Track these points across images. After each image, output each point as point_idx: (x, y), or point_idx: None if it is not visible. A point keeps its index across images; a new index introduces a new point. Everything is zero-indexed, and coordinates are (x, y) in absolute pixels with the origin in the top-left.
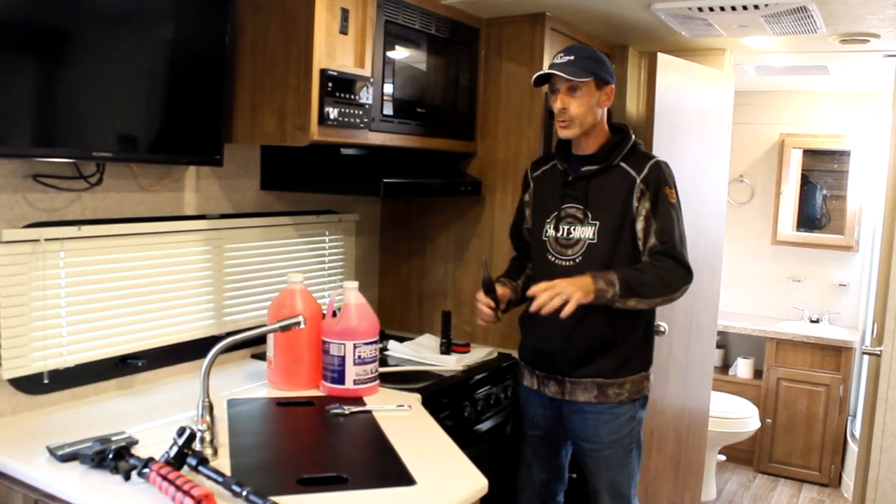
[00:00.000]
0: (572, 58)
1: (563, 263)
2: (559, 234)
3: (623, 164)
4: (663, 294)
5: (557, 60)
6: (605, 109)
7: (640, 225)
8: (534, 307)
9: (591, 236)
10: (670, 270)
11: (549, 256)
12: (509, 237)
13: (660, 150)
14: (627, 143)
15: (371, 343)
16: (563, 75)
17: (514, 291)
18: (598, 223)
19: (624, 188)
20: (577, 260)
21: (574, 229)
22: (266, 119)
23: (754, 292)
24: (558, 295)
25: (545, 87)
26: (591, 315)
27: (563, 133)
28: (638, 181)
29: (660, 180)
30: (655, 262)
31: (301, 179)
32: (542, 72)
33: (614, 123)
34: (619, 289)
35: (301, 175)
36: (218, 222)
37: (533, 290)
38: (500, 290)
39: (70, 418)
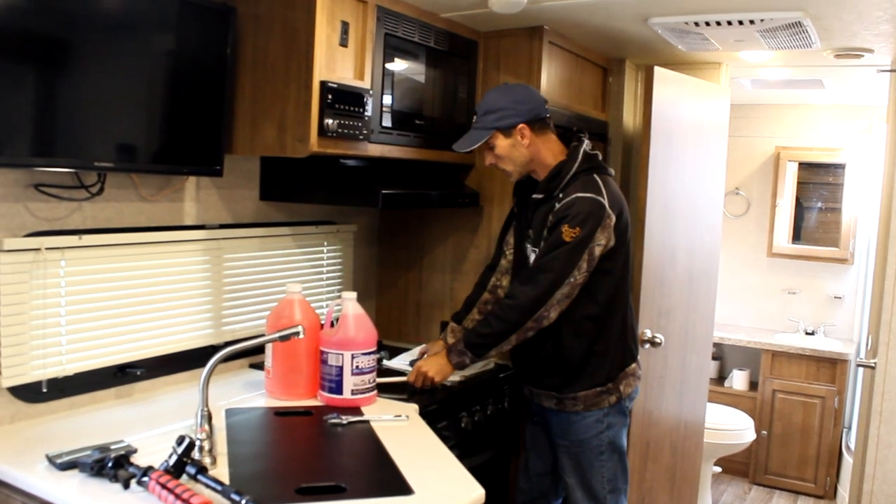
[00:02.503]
0: (475, 118)
1: None
2: (526, 254)
3: (560, 195)
4: (513, 332)
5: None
6: (540, 138)
7: (540, 245)
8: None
9: (532, 261)
10: (508, 305)
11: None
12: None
13: (656, 163)
14: (566, 175)
15: (369, 353)
16: (459, 151)
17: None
18: (537, 250)
19: (546, 220)
20: None
21: (532, 253)
22: (266, 130)
23: (750, 304)
24: (420, 374)
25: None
26: (540, 335)
27: (510, 180)
28: (552, 213)
29: (564, 217)
30: (504, 299)
31: (300, 190)
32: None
33: (572, 139)
34: (471, 353)
35: (300, 186)
36: (217, 232)
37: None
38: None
39: (69, 427)
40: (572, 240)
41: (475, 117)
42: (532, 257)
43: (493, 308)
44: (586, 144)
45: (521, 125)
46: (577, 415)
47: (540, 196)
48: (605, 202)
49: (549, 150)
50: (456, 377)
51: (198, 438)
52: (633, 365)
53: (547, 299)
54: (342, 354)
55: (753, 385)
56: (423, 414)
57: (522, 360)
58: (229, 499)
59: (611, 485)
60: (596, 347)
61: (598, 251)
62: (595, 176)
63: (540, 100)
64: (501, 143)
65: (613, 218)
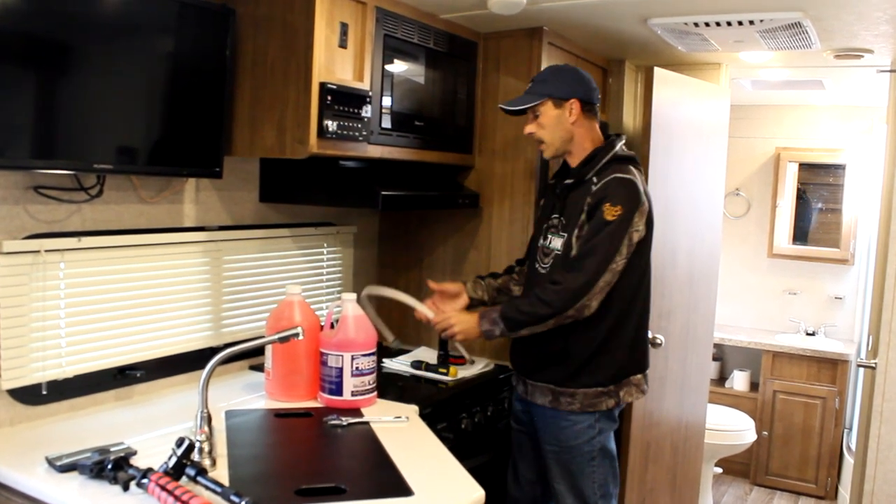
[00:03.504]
0: (531, 84)
1: (541, 271)
2: (544, 244)
3: (594, 178)
4: (550, 314)
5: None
6: (586, 121)
7: (575, 232)
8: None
9: (559, 247)
10: (558, 290)
11: (536, 264)
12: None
13: (656, 164)
14: (603, 157)
15: (369, 355)
16: (508, 108)
17: (478, 289)
18: (566, 235)
19: (582, 202)
20: (547, 269)
21: (553, 239)
22: (266, 132)
23: (751, 305)
24: (447, 322)
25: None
26: None
27: (544, 156)
28: (590, 195)
29: (605, 196)
30: (549, 283)
31: (300, 192)
32: (499, 106)
33: (610, 135)
34: (505, 326)
35: (300, 187)
36: (217, 234)
37: (433, 319)
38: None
39: (69, 429)
40: (615, 218)
41: (530, 85)
42: (554, 244)
43: (537, 290)
44: (623, 141)
45: (573, 99)
46: (569, 418)
47: (571, 181)
48: (641, 189)
49: (590, 136)
50: (457, 379)
51: (197, 440)
52: (640, 376)
53: (592, 286)
54: (342, 356)
55: (754, 386)
56: (423, 415)
57: (525, 349)
58: (229, 500)
59: (602, 490)
60: (606, 345)
61: (635, 237)
62: (630, 167)
63: (595, 88)
64: (550, 112)
65: (647, 206)
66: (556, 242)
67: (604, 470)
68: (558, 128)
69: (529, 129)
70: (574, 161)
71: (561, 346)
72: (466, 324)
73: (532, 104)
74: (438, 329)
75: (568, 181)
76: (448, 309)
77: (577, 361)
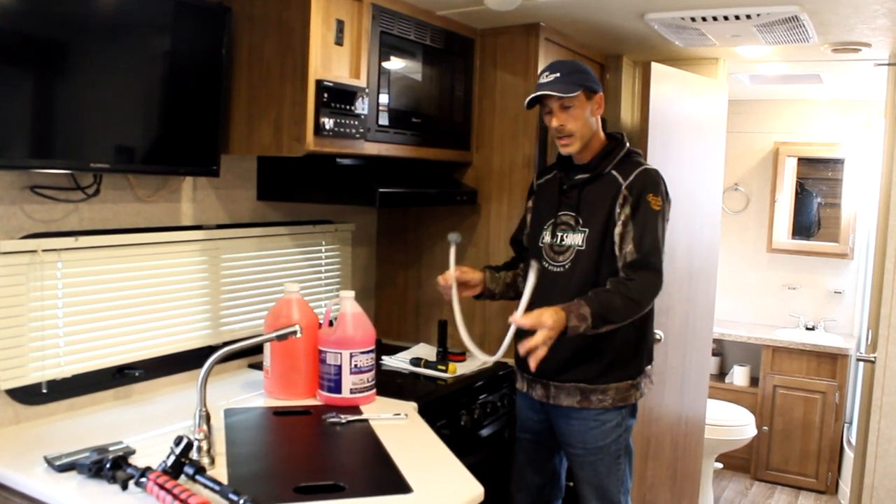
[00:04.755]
0: (558, 74)
1: (555, 269)
2: (553, 241)
3: (613, 172)
4: (635, 313)
5: (544, 80)
6: (599, 118)
7: (617, 229)
8: (522, 350)
9: (580, 243)
10: (641, 287)
11: (544, 263)
12: (509, 242)
13: (654, 160)
14: (620, 152)
15: (367, 352)
16: (556, 94)
17: (494, 281)
18: (587, 230)
19: (610, 195)
20: (567, 266)
21: (566, 236)
22: (262, 130)
23: (750, 300)
24: (540, 322)
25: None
26: None
27: (565, 150)
28: (623, 187)
29: (644, 187)
30: (626, 281)
31: (297, 190)
32: (534, 94)
33: (610, 133)
34: (592, 322)
35: (297, 185)
36: (214, 233)
37: (520, 321)
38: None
39: (67, 428)
40: (660, 209)
41: (553, 74)
42: (570, 241)
43: (619, 286)
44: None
45: (600, 94)
46: (598, 416)
47: (587, 175)
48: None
49: (599, 135)
50: (456, 375)
51: (196, 439)
52: (650, 367)
53: (663, 281)
54: (341, 353)
55: (754, 381)
56: (422, 412)
57: (551, 350)
58: (227, 499)
59: (623, 486)
60: (637, 338)
61: (667, 227)
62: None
63: None
64: (583, 104)
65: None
66: (575, 238)
67: (625, 467)
68: (586, 121)
69: (561, 118)
70: (586, 156)
71: (591, 344)
72: (557, 321)
73: (575, 94)
74: (530, 326)
75: (582, 176)
76: (537, 311)
77: (609, 357)
